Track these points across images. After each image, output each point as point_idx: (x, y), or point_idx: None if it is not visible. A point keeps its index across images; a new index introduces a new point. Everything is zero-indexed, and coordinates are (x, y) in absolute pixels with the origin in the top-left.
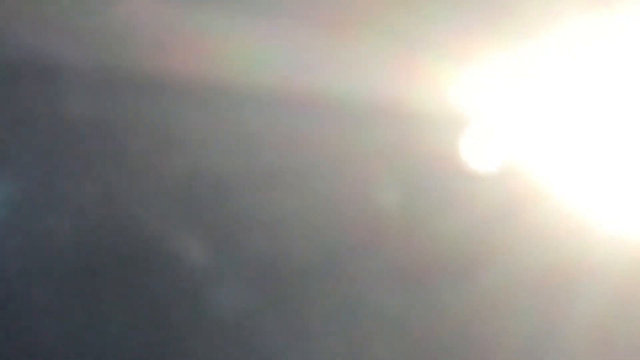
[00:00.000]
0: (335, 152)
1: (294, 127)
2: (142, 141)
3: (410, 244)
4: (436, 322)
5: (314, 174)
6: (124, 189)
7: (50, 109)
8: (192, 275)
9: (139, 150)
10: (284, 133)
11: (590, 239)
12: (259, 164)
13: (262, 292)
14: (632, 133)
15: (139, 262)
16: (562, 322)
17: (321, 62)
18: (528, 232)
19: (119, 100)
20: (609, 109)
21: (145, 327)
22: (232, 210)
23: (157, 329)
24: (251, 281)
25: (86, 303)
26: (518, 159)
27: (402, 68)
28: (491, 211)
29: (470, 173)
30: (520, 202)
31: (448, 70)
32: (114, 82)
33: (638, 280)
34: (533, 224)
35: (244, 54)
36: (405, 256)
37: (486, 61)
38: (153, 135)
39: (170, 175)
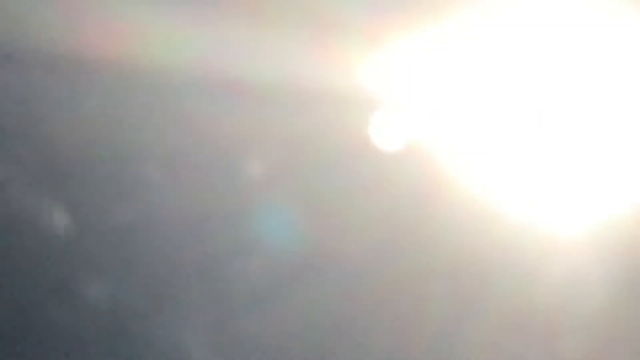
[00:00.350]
0: (250, 134)
1: (209, 110)
2: (52, 121)
3: (321, 227)
4: (343, 306)
5: (228, 155)
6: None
7: None
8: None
9: (48, 131)
10: (198, 116)
11: (500, 220)
12: (172, 144)
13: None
14: (539, 113)
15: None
16: (473, 304)
17: (236, 47)
18: (439, 214)
19: (36, 82)
20: (517, 91)
21: None
22: (138, 189)
23: None
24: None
25: None
26: (430, 140)
27: (315, 51)
28: (403, 193)
29: (384, 155)
30: (431, 184)
31: (362, 53)
32: (32, 64)
33: (547, 260)
34: (444, 206)
35: (160, 38)
36: (316, 240)
37: (398, 44)
38: (67, 117)
39: (78, 155)
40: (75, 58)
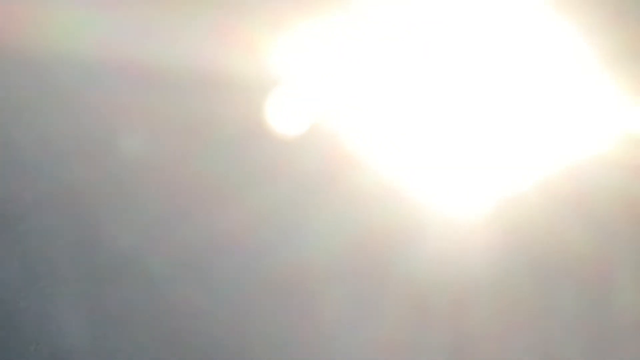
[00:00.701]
0: (153, 117)
1: (112, 93)
2: None
3: (226, 210)
4: (249, 285)
5: (130, 139)
6: None
7: None
8: None
9: None
10: (101, 98)
11: (402, 202)
12: (73, 127)
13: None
14: (435, 96)
15: None
16: (379, 282)
17: (139, 30)
18: (340, 195)
19: None
20: (417, 75)
21: None
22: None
23: None
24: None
25: None
26: (330, 123)
27: (216, 35)
28: (303, 174)
29: (284, 136)
30: (331, 167)
31: (263, 37)
32: None
33: (447, 241)
34: (345, 187)
35: (61, 22)
36: (222, 222)
37: (299, 28)
38: None
39: None
40: None
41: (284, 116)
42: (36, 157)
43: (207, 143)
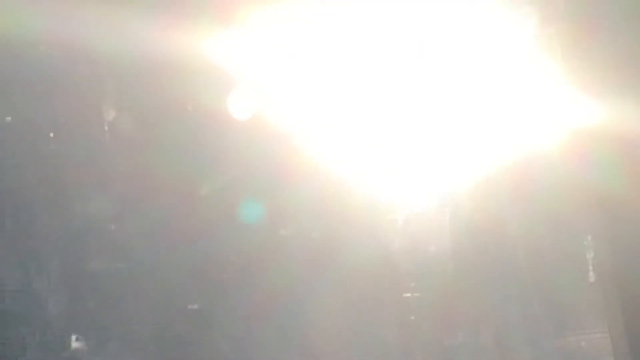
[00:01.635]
0: (101, 108)
1: (63, 85)
2: None
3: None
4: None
5: (77, 129)
6: None
7: None
8: None
9: None
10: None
11: (349, 193)
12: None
13: None
14: (383, 92)
15: None
16: (324, 273)
17: (87, 21)
18: (289, 186)
19: None
20: (367, 68)
21: None
22: None
23: None
24: None
25: None
26: (281, 113)
27: (164, 24)
28: (252, 163)
29: (233, 127)
30: (280, 156)
31: (212, 27)
32: None
33: (394, 233)
34: (294, 177)
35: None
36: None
37: (249, 18)
38: None
39: None
40: None
41: (236, 105)
42: None
43: (160, 131)
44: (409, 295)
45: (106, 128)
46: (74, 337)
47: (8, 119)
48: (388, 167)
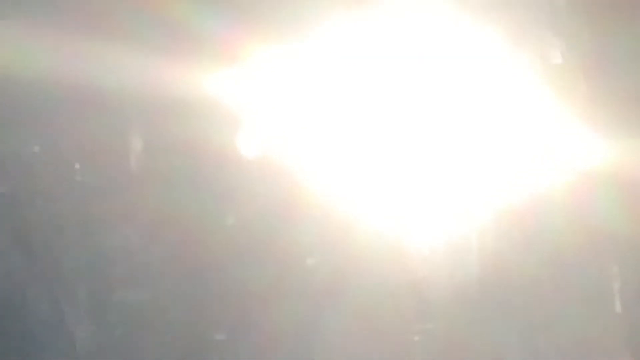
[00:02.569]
0: (106, 145)
1: (67, 121)
2: None
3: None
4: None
5: (89, 165)
6: None
7: None
8: None
9: None
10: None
11: (356, 228)
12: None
13: None
14: (393, 127)
15: None
16: (324, 310)
17: (93, 60)
18: (307, 226)
19: None
20: (373, 102)
21: None
22: None
23: None
24: None
25: None
26: (286, 149)
27: (171, 62)
28: (260, 200)
29: (241, 163)
30: (289, 192)
31: (218, 65)
32: None
33: (398, 267)
34: (303, 213)
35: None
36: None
37: (254, 56)
38: None
39: None
40: None
41: (242, 141)
42: None
43: (161, 168)
44: (432, 325)
45: (132, 160)
46: None
47: (36, 149)
48: (413, 199)
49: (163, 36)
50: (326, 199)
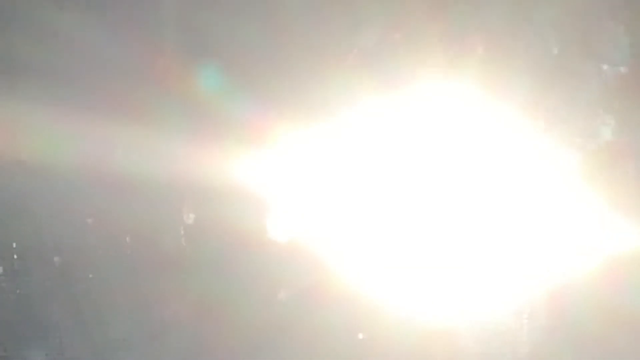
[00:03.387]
0: (135, 231)
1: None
2: None
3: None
4: None
5: (110, 251)
6: None
7: None
8: None
9: None
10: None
11: (384, 314)
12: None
13: None
14: (428, 211)
15: None
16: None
17: (120, 144)
18: (330, 310)
19: None
20: (406, 185)
21: None
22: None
23: None
24: None
25: None
26: (316, 234)
27: (200, 147)
28: (292, 284)
29: (272, 248)
30: (318, 277)
31: (246, 150)
32: None
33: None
34: (334, 301)
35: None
36: (211, 333)
37: (282, 141)
38: None
39: None
40: None
41: (273, 226)
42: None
43: (186, 257)
44: None
45: (182, 234)
46: None
47: (89, 220)
48: (441, 280)
49: (191, 120)
50: (354, 283)
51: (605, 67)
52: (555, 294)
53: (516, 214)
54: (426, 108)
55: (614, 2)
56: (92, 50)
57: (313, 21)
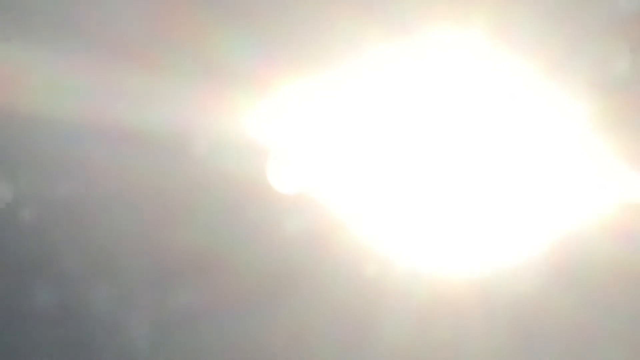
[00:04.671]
0: (142, 182)
1: (100, 157)
2: None
3: (217, 270)
4: (246, 347)
5: (117, 203)
6: None
7: None
8: None
9: None
10: (87, 162)
11: (394, 268)
12: (60, 193)
13: None
14: (426, 154)
15: None
16: (363, 348)
17: (126, 94)
18: (335, 259)
19: None
20: (412, 136)
21: None
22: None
23: None
24: None
25: None
26: (324, 185)
27: (204, 98)
28: (297, 236)
29: (276, 200)
30: (323, 228)
31: (251, 101)
32: None
33: (436, 309)
34: (340, 251)
35: (48, 85)
36: (215, 283)
37: (287, 89)
38: None
39: None
40: None
41: (278, 178)
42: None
43: (193, 207)
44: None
45: (167, 195)
46: None
47: (95, 171)
48: (448, 228)
49: (194, 67)
50: (358, 232)
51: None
52: (562, 243)
53: (524, 162)
54: (432, 55)
55: None
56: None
57: None
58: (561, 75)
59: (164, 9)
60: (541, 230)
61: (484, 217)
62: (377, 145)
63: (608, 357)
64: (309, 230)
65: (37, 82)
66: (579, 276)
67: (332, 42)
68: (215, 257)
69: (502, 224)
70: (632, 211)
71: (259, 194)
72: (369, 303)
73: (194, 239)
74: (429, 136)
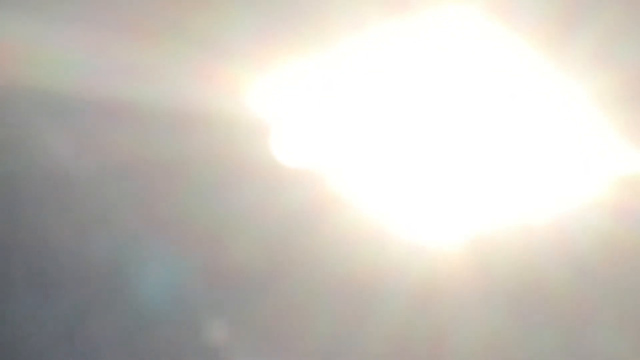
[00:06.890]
0: (142, 157)
1: (100, 133)
2: None
3: (220, 246)
4: (245, 323)
5: (119, 179)
6: None
7: None
8: None
9: None
10: (85, 137)
11: (394, 242)
12: (57, 168)
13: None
14: (430, 132)
15: None
16: (363, 322)
17: (125, 68)
18: (336, 234)
19: None
20: (410, 111)
21: None
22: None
23: None
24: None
25: None
26: (324, 161)
27: (205, 74)
28: (300, 213)
29: (277, 175)
30: (327, 204)
31: (250, 75)
32: None
33: (435, 283)
34: (341, 226)
35: (46, 59)
36: (216, 258)
37: (287, 65)
38: None
39: None
40: None
41: (276, 154)
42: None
43: (193, 184)
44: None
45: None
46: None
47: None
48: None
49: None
50: (358, 207)
51: None
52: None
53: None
54: (433, 32)
55: None
56: None
57: None
58: (562, 52)
59: None
60: (540, 206)
61: (482, 193)
62: (377, 120)
63: (606, 333)
64: (309, 205)
65: (37, 55)
66: (578, 252)
67: (334, 16)
68: (216, 232)
69: (500, 200)
70: (630, 186)
71: (259, 169)
72: (370, 277)
73: (193, 215)
74: (429, 111)
